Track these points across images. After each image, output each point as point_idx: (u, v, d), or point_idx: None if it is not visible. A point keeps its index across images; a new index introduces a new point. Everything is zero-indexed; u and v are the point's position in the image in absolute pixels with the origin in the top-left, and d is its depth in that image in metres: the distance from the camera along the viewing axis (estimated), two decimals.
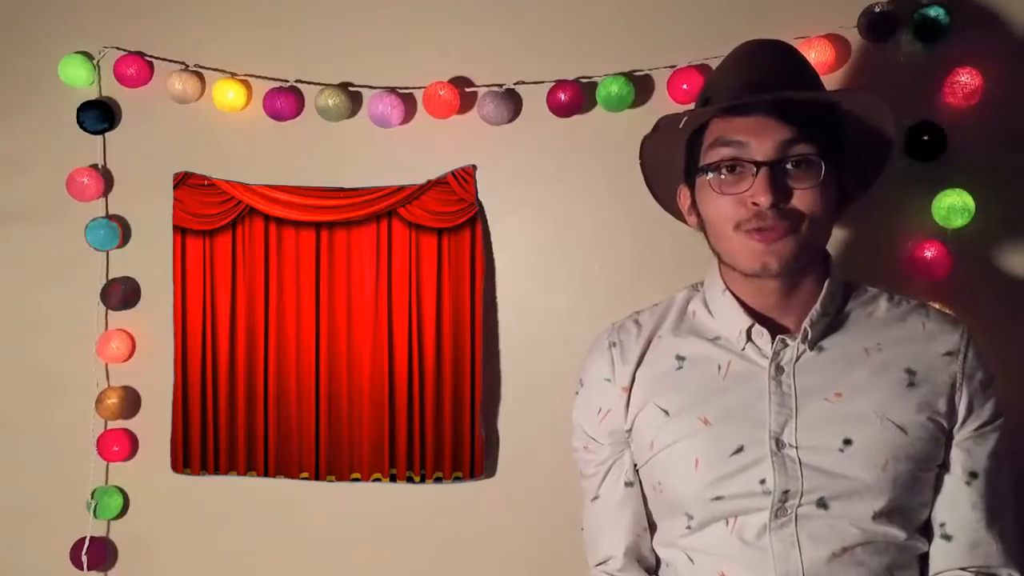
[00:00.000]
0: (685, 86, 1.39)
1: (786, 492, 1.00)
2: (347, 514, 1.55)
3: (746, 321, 1.06)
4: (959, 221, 1.35)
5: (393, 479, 1.52)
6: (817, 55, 1.35)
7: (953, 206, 1.34)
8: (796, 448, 1.01)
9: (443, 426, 1.50)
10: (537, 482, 1.49)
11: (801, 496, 1.00)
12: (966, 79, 1.34)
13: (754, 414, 1.03)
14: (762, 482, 1.01)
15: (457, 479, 1.51)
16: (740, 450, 1.02)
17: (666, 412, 1.07)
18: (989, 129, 1.37)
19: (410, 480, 1.52)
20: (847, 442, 1.00)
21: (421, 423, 1.51)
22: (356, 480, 1.53)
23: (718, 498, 1.03)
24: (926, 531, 1.05)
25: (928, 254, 1.36)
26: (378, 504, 1.54)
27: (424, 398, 1.50)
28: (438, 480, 1.51)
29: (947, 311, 1.11)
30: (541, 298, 1.50)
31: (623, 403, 1.11)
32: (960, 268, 1.37)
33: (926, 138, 1.34)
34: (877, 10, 1.34)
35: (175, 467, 1.56)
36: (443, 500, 1.53)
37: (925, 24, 1.33)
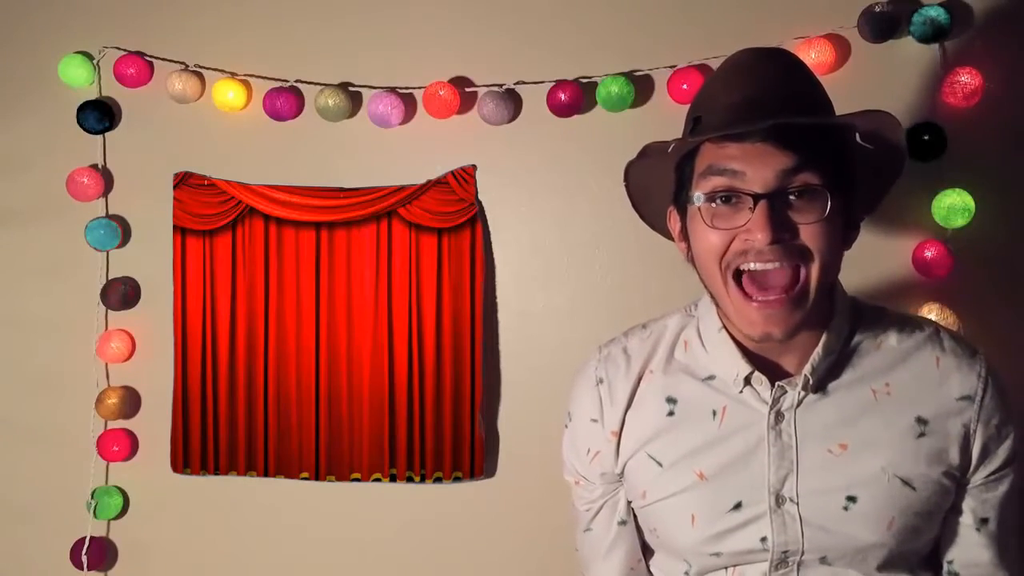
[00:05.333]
0: (685, 86, 1.39)
1: (785, 551, 0.96)
2: (347, 514, 1.55)
3: (745, 368, 0.97)
4: (959, 221, 1.35)
5: (393, 479, 1.52)
6: (817, 55, 1.35)
7: (953, 206, 1.34)
8: (797, 504, 0.95)
9: (443, 426, 1.50)
10: (537, 482, 1.49)
11: (802, 554, 0.96)
12: (966, 79, 1.34)
13: (753, 466, 0.96)
14: (763, 540, 0.96)
15: (457, 479, 1.51)
16: (739, 506, 0.96)
17: (659, 463, 1.00)
18: (989, 129, 1.37)
19: (410, 480, 1.52)
20: (851, 499, 0.94)
21: (421, 423, 1.51)
22: (356, 480, 1.53)
23: (716, 554, 0.98)
24: (930, 563, 1.02)
25: (928, 254, 1.36)
26: (378, 504, 1.54)
27: (424, 398, 1.50)
28: (438, 480, 1.51)
29: (963, 338, 1.03)
30: (541, 298, 1.50)
31: (612, 447, 1.04)
32: (960, 268, 1.36)
33: (926, 138, 1.34)
34: (877, 10, 1.34)
35: (175, 467, 1.56)
36: (443, 500, 1.53)
37: (925, 24, 1.33)
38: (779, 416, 0.97)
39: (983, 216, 1.35)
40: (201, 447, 1.55)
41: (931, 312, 1.35)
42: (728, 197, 0.90)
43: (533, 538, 1.51)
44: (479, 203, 1.50)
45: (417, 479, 1.51)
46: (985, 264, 1.39)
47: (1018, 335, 1.37)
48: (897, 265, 1.40)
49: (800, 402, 0.97)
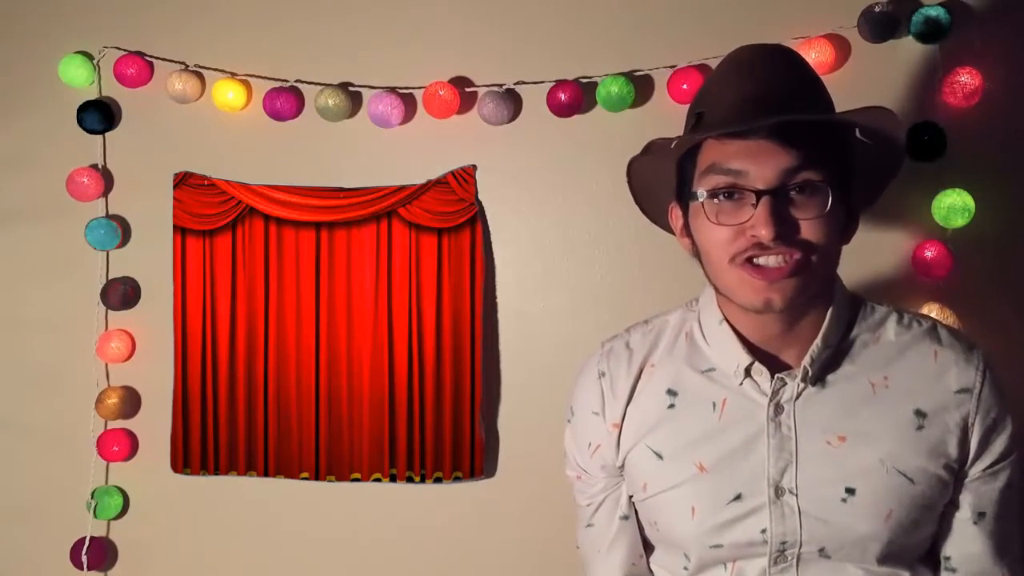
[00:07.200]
0: (685, 86, 1.39)
1: (784, 543, 0.96)
2: (347, 514, 1.55)
3: (745, 358, 0.98)
4: (959, 221, 1.35)
5: (393, 479, 1.52)
6: (817, 55, 1.36)
7: (953, 206, 1.34)
8: (796, 495, 0.96)
9: (443, 426, 1.50)
10: (537, 482, 1.49)
11: (800, 546, 0.96)
12: (966, 79, 1.34)
13: (753, 458, 0.97)
14: (763, 531, 0.97)
15: (457, 479, 1.51)
16: (738, 498, 0.97)
17: (659, 455, 1.01)
18: (989, 129, 1.37)
19: (410, 480, 1.52)
20: (850, 491, 0.95)
21: (421, 423, 1.51)
22: (356, 480, 1.53)
23: (717, 546, 0.98)
24: (930, 560, 1.02)
25: (928, 254, 1.36)
26: (378, 504, 1.54)
27: (424, 398, 1.50)
28: (438, 480, 1.51)
29: (960, 333, 1.04)
30: (541, 298, 1.50)
31: (613, 440, 1.05)
32: (960, 268, 1.37)
33: (926, 138, 1.34)
34: (877, 10, 1.34)
35: (175, 467, 1.56)
36: (443, 500, 1.53)
37: (925, 24, 1.33)
38: (778, 408, 0.97)
39: (983, 216, 1.35)
40: (201, 447, 1.55)
41: (931, 312, 1.35)
42: (731, 193, 0.91)
43: (533, 538, 1.51)
44: (479, 203, 1.50)
45: (417, 479, 1.51)
46: (985, 264, 1.39)
47: (1018, 335, 1.37)
48: (897, 265, 1.40)
49: (799, 394, 0.97)
